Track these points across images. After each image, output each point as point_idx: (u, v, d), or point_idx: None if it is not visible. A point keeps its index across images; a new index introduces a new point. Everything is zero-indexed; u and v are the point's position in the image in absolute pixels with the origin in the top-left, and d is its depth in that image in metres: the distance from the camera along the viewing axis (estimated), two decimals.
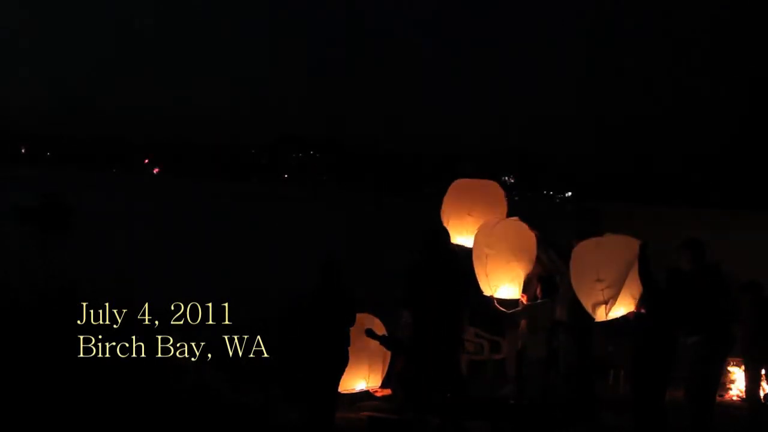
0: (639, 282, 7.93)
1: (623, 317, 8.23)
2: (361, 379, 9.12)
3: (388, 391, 9.35)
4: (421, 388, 7.83)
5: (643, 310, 8.33)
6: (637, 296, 8.01)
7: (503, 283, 8.57)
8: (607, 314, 8.12)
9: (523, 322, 8.99)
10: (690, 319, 7.59)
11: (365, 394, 9.27)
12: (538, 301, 8.93)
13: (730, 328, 7.78)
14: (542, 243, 8.76)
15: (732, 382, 9.88)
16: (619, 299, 8.02)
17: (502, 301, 8.67)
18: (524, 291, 8.97)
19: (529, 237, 8.65)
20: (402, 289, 7.21)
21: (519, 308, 8.92)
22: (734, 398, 9.68)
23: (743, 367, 8.83)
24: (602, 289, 7.96)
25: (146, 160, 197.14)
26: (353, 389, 9.03)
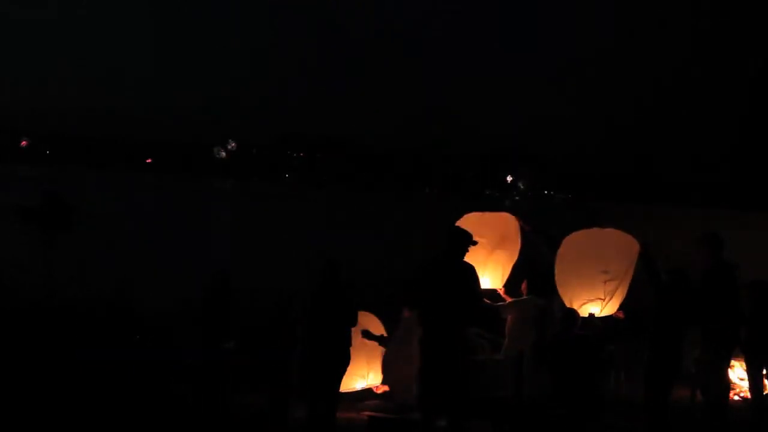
0: (628, 283, 7.92)
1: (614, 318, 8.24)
2: (360, 378, 9.13)
3: (387, 387, 9.35)
4: (424, 389, 7.82)
5: (621, 315, 8.33)
6: (622, 299, 8.00)
7: (486, 273, 8.52)
8: (602, 311, 8.11)
9: (510, 318, 8.94)
10: (700, 317, 7.57)
11: (367, 392, 9.27)
12: (524, 297, 8.88)
13: (738, 328, 7.78)
14: (530, 236, 8.75)
15: (733, 382, 9.87)
16: (611, 299, 8.02)
17: (485, 293, 8.66)
18: (509, 287, 8.96)
19: (514, 228, 8.62)
20: (413, 284, 7.07)
21: (505, 303, 8.89)
22: (736, 398, 9.66)
23: (745, 366, 8.80)
24: (606, 282, 7.94)
25: (148, 160, 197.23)
26: (354, 388, 9.03)
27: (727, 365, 7.95)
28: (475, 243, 7.20)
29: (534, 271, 8.84)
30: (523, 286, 8.97)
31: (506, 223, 8.69)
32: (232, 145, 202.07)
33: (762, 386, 8.33)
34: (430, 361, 6.88)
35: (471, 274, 7.01)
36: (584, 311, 8.16)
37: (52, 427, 7.78)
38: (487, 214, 8.80)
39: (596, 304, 8.08)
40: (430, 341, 6.87)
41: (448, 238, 6.99)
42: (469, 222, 8.61)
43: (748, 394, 8.60)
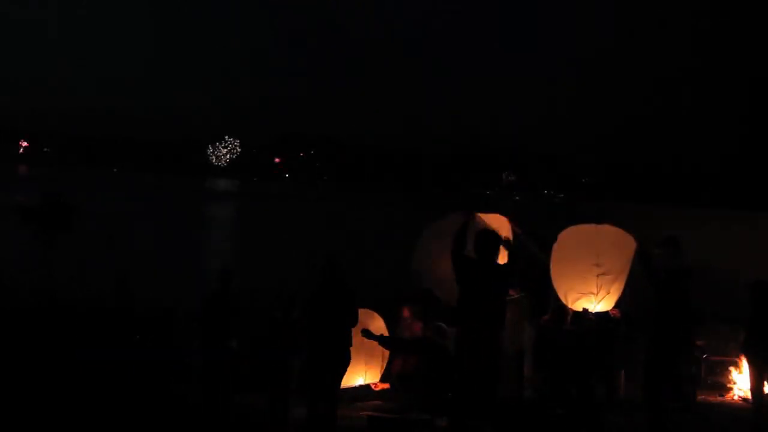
0: (624, 281, 7.91)
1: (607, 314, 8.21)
2: (358, 375, 9.13)
3: (386, 386, 9.35)
4: (426, 389, 7.79)
5: (617, 313, 8.32)
6: (618, 296, 7.99)
7: None
8: (594, 306, 8.10)
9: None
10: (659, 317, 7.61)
11: (365, 388, 9.26)
12: (514, 296, 8.82)
13: (688, 330, 7.77)
14: (522, 238, 8.74)
15: (733, 382, 9.86)
16: (606, 295, 8.00)
17: None
18: None
19: (506, 229, 8.62)
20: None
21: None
22: (736, 398, 9.66)
23: (747, 366, 8.75)
24: (598, 276, 7.93)
25: (146, 158, 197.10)
26: (353, 384, 9.03)
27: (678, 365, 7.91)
28: (503, 241, 7.20)
29: (526, 272, 8.83)
30: None
31: (498, 224, 8.71)
32: (231, 144, 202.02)
33: (762, 386, 8.31)
34: (468, 362, 6.79)
35: (508, 276, 7.02)
36: (578, 306, 8.17)
37: (53, 427, 7.77)
38: (480, 215, 8.82)
39: (589, 299, 8.09)
40: (468, 343, 6.81)
41: (479, 241, 6.95)
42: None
43: (749, 395, 8.58)
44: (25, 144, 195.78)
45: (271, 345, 8.07)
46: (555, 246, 8.30)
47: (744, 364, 9.37)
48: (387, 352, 9.32)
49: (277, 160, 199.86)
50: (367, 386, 9.29)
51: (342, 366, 7.60)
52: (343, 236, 36.64)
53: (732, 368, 9.86)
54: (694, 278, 7.67)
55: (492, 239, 6.97)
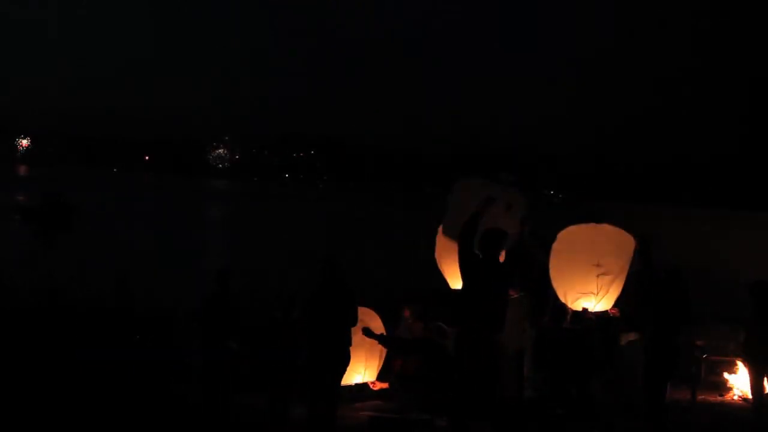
0: (623, 280, 7.92)
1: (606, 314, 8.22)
2: (357, 373, 9.14)
3: (385, 385, 9.35)
4: (426, 389, 7.76)
5: (617, 312, 8.34)
6: (617, 295, 7.99)
7: None
8: (594, 306, 8.10)
9: None
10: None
11: (363, 387, 9.27)
12: (514, 296, 8.81)
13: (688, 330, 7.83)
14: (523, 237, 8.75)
15: (728, 380, 9.86)
16: (606, 295, 8.01)
17: None
18: None
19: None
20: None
21: None
22: (735, 398, 9.66)
23: (747, 367, 8.75)
24: (598, 276, 7.94)
25: (146, 157, 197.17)
26: (351, 383, 9.04)
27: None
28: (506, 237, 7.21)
29: (526, 272, 8.81)
30: None
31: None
32: (231, 144, 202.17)
33: (763, 386, 8.30)
34: (468, 362, 6.80)
35: (508, 276, 7.03)
36: (577, 305, 8.17)
37: (53, 427, 7.77)
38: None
39: (589, 299, 8.10)
40: (468, 343, 6.81)
41: (485, 240, 6.95)
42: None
43: (749, 395, 8.58)
44: (25, 144, 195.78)
45: (271, 345, 8.07)
46: (555, 246, 8.31)
47: (740, 366, 9.39)
48: (384, 351, 9.32)
49: (276, 160, 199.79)
50: (365, 384, 9.29)
51: (342, 366, 7.60)
52: (343, 236, 36.61)
53: (727, 370, 9.86)
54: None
55: (497, 238, 6.97)
